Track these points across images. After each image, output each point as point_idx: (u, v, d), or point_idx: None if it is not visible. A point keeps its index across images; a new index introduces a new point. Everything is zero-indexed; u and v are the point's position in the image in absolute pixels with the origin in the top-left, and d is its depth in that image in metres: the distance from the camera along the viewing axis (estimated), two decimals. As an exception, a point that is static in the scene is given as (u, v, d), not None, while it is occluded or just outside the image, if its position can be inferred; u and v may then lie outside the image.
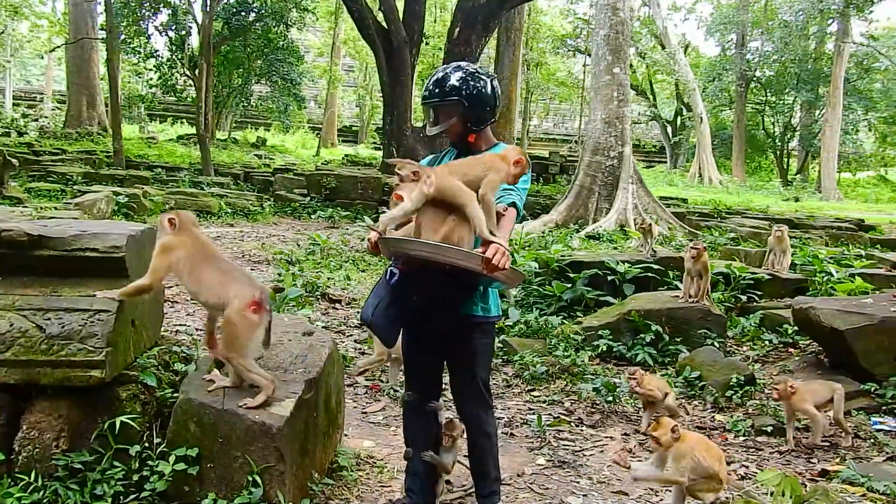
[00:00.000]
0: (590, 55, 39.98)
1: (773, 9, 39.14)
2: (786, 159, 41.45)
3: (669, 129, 42.94)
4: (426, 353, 3.53)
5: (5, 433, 3.33)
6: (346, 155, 30.07)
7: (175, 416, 3.39)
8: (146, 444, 3.43)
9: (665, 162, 42.05)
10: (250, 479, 3.25)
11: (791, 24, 34.92)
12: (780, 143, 40.90)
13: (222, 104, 28.70)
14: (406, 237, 3.15)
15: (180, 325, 6.16)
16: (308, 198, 15.40)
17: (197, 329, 5.83)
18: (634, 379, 5.01)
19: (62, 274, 3.59)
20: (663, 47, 36.42)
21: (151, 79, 28.25)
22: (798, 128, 40.21)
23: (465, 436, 3.59)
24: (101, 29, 27.58)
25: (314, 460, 3.71)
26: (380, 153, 34.94)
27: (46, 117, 30.58)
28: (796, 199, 29.54)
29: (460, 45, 21.20)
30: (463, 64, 3.53)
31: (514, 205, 3.25)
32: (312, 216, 14.33)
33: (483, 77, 3.42)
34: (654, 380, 5.15)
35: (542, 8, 36.22)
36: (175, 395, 3.67)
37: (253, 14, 25.62)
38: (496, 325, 3.65)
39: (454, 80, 3.38)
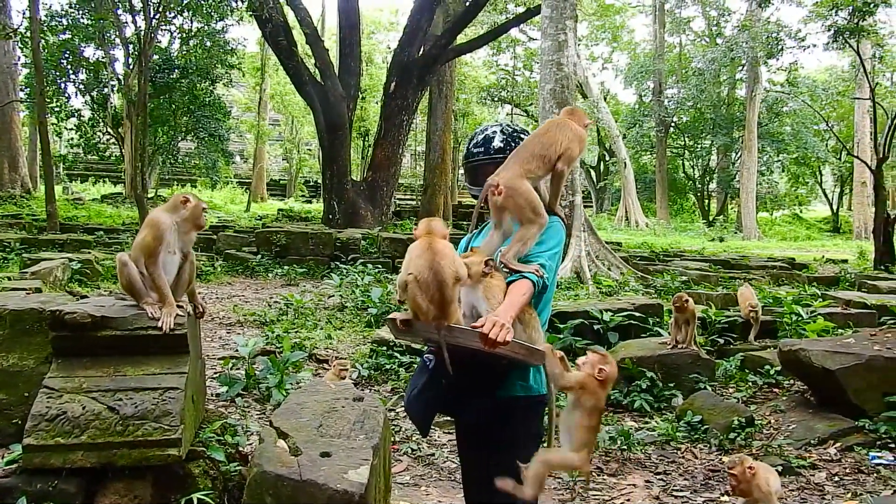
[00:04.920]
0: (516, 105, 41.22)
1: (686, 58, 41.12)
2: (706, 201, 43.21)
3: (594, 175, 44.25)
4: (472, 445, 3.21)
5: (81, 518, 3.30)
6: (280, 209, 29.92)
7: (249, 489, 3.38)
8: (220, 520, 3.44)
9: (591, 206, 43.20)
10: (332, 547, 3.28)
11: (704, 72, 36.71)
12: (700, 186, 42.69)
13: (148, 162, 28.30)
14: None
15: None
16: (258, 255, 15.27)
17: (214, 395, 5.78)
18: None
19: (121, 353, 3.59)
20: (585, 96, 37.69)
21: (72, 138, 27.78)
22: (716, 170, 42.05)
23: None
24: (22, 89, 27.14)
25: (378, 526, 3.75)
26: (310, 206, 35.08)
27: (-40, 181, 29.55)
28: (721, 240, 30.76)
29: (397, 99, 21.62)
30: (503, 124, 3.43)
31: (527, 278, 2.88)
32: (269, 275, 14.21)
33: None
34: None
35: (465, 60, 37.06)
36: (238, 467, 3.69)
37: (177, 71, 25.51)
38: (546, 405, 3.12)
39: (498, 140, 3.26)
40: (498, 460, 3.05)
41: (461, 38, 24.73)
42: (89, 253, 13.54)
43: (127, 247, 15.45)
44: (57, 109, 25.24)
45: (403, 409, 3.28)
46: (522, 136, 3.30)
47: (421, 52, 21.79)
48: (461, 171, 40.97)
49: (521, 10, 28.63)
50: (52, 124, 25.47)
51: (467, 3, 22.55)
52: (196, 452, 3.56)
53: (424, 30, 21.77)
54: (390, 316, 3.05)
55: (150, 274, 3.58)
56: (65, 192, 29.05)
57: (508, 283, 2.94)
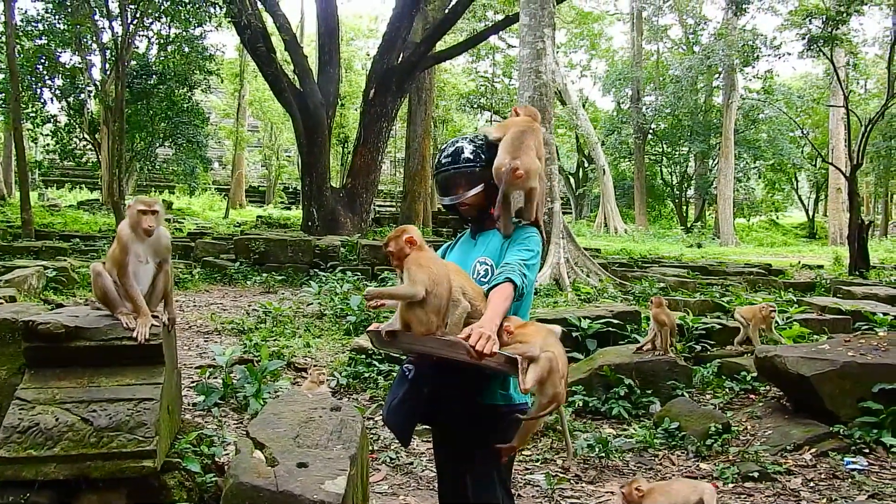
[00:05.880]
0: (495, 112, 41.29)
1: (664, 65, 41.44)
2: (684, 207, 43.52)
3: (573, 182, 44.45)
4: (449, 453, 3.26)
5: (54, 532, 3.26)
6: (259, 216, 29.78)
7: (225, 500, 3.34)
8: (196, 532, 3.41)
9: (570, 213, 43.39)
10: (309, 558, 3.25)
11: (682, 80, 37.05)
12: (678, 192, 43.00)
13: (125, 168, 28.03)
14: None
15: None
16: (237, 262, 15.18)
17: (191, 403, 5.73)
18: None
19: (96, 364, 3.56)
20: (563, 103, 37.87)
21: (48, 144, 27.48)
22: (694, 177, 42.42)
23: None
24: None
25: (356, 536, 3.73)
26: (289, 212, 34.96)
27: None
28: (699, 246, 30.98)
29: (376, 106, 21.62)
30: (472, 136, 3.39)
31: (510, 281, 2.90)
32: (247, 282, 14.14)
33: None
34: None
35: (445, 67, 37.19)
36: (214, 478, 3.66)
37: (155, 77, 25.31)
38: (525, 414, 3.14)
39: (468, 151, 3.25)
40: (474, 468, 3.10)
41: (440, 46, 24.76)
42: (65, 260, 13.40)
43: (103, 254, 15.31)
44: (32, 115, 24.98)
45: (382, 420, 3.26)
46: (491, 148, 3.30)
47: (400, 59, 21.81)
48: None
49: (499, 17, 28.71)
50: (28, 130, 25.24)
51: (446, 11, 22.61)
52: (171, 464, 3.54)
53: (403, 37, 21.80)
54: (371, 328, 3.05)
55: (122, 285, 3.56)
56: (40, 198, 28.82)
57: (489, 290, 2.97)
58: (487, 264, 3.10)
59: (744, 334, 7.99)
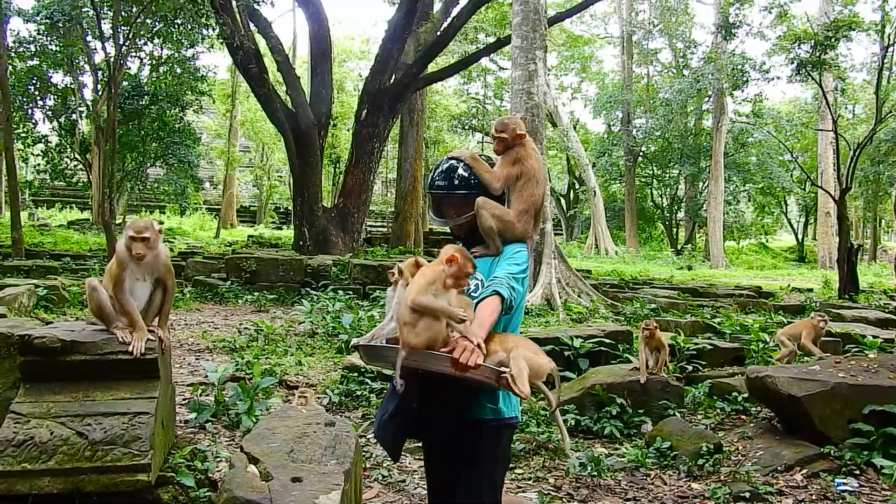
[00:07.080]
0: (486, 133, 41.48)
1: (654, 88, 41.78)
2: (674, 229, 43.70)
3: (564, 203, 44.62)
4: (439, 468, 3.27)
5: (48, 546, 3.25)
6: (250, 236, 29.78)
7: (219, 515, 3.37)
8: (189, 548, 3.40)
9: (561, 234, 43.52)
10: (303, 574, 3.26)
11: (672, 103, 37.34)
12: (668, 214, 43.17)
13: (116, 188, 28.02)
14: (374, 343, 3.04)
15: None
16: (228, 282, 15.17)
17: (182, 421, 5.71)
18: None
19: (91, 378, 3.56)
20: (554, 125, 38.09)
21: (39, 164, 27.49)
22: (684, 199, 42.62)
23: None
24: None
25: (350, 552, 3.73)
26: (281, 232, 34.98)
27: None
28: (689, 268, 31.07)
29: (368, 127, 21.69)
30: (467, 158, 3.33)
31: (497, 294, 2.90)
32: (238, 301, 14.12)
33: None
34: None
35: (436, 88, 37.39)
36: (208, 493, 3.66)
37: (147, 97, 25.34)
38: (514, 429, 3.29)
39: (462, 174, 3.25)
40: (464, 483, 3.09)
41: (432, 67, 24.92)
42: (55, 279, 13.39)
43: (93, 273, 15.32)
44: (24, 135, 25.01)
45: (373, 434, 3.26)
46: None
47: (392, 81, 21.92)
48: (432, 198, 41.19)
49: (491, 40, 28.94)
50: (19, 150, 25.21)
51: (438, 33, 22.77)
52: (165, 478, 3.54)
53: (396, 58, 21.92)
54: (362, 341, 3.08)
55: (118, 300, 3.57)
56: (31, 217, 28.74)
57: (477, 303, 2.99)
58: (478, 279, 3.12)
59: (787, 352, 7.81)
